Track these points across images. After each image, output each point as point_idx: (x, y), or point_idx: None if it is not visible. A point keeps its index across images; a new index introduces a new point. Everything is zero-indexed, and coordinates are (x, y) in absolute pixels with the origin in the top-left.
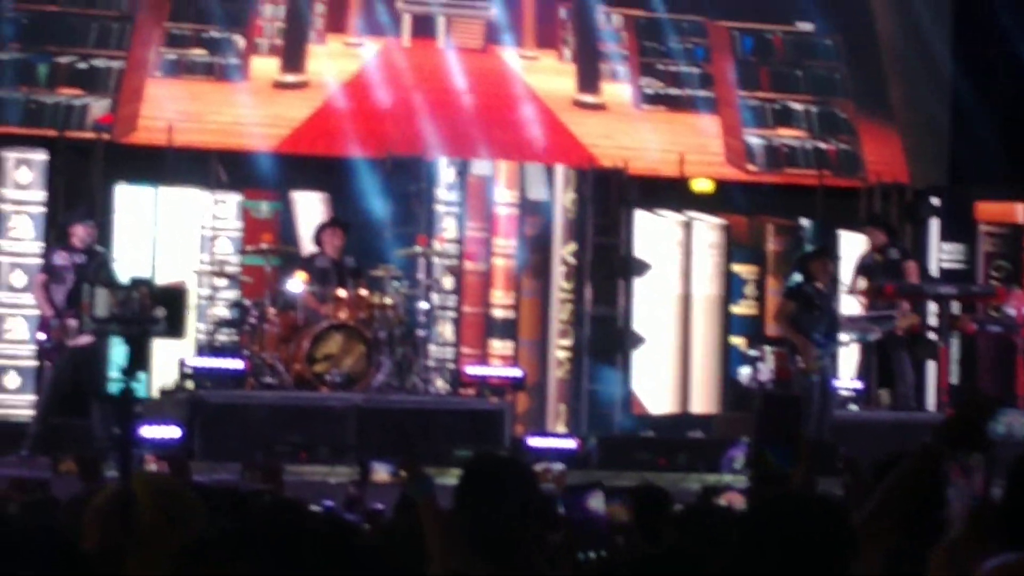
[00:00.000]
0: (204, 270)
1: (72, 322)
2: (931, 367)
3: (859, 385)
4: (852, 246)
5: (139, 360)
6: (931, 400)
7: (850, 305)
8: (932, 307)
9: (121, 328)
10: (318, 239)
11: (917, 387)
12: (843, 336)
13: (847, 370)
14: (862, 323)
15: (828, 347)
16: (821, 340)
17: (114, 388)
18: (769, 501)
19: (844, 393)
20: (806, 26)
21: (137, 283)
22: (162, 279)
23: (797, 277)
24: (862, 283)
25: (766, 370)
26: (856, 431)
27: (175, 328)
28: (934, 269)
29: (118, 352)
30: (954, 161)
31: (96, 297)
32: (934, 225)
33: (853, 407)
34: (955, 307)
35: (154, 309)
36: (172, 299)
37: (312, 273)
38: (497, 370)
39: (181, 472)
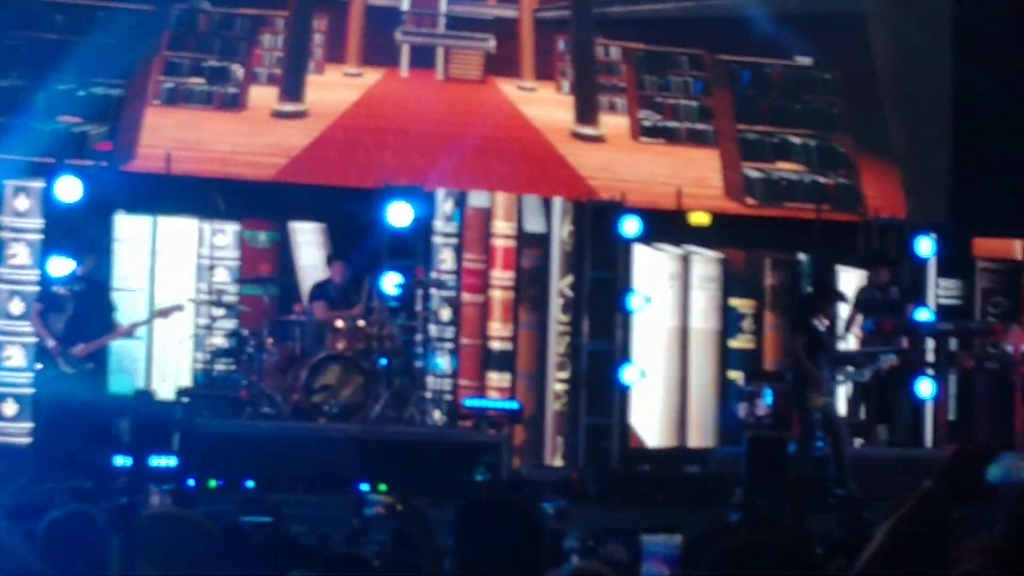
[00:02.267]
0: (202, 299)
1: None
2: (928, 404)
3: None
4: (849, 281)
5: None
6: (928, 437)
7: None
8: (930, 343)
9: None
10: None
11: (915, 424)
12: (839, 375)
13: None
14: (858, 359)
15: (831, 383)
16: (827, 376)
17: None
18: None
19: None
20: (805, 60)
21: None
22: (161, 302)
23: (803, 312)
24: (859, 318)
25: (763, 405)
26: (859, 467)
27: None
28: (931, 305)
29: None
30: (953, 197)
31: None
32: (932, 261)
33: (858, 441)
34: (953, 344)
35: None
36: None
37: (324, 299)
38: (494, 402)
39: (186, 504)
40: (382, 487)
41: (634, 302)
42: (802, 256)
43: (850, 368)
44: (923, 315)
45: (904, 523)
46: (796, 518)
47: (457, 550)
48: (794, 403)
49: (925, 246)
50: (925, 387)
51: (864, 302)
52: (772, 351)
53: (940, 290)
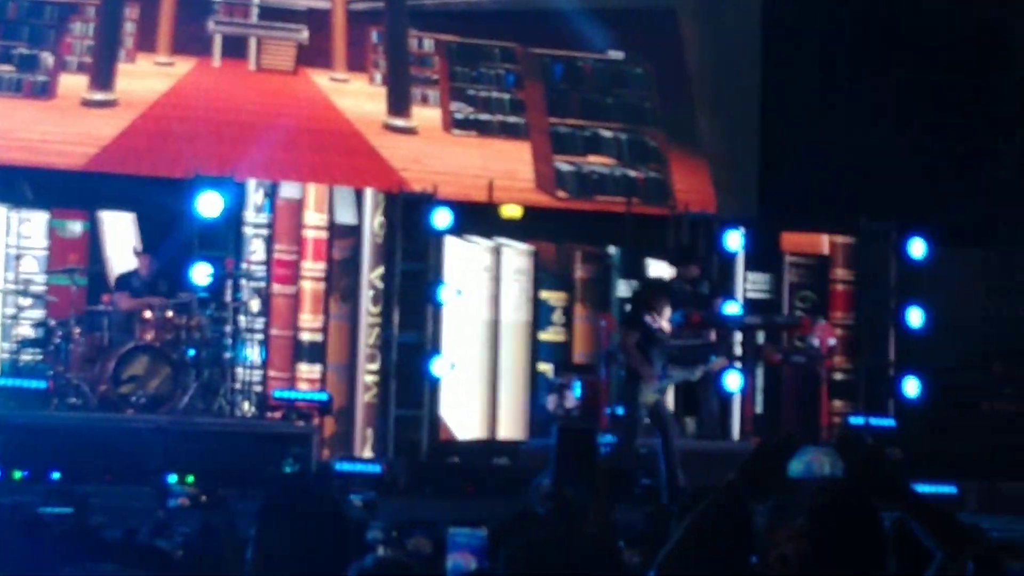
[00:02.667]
0: (9, 289)
1: None
2: (736, 397)
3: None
4: (659, 275)
5: None
6: (736, 429)
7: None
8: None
9: None
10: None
11: (722, 416)
12: (673, 372)
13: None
14: (689, 357)
15: (663, 380)
16: (660, 373)
17: None
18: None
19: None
20: (617, 55)
21: None
22: None
23: (636, 308)
24: (667, 311)
25: (572, 397)
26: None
27: None
28: (740, 298)
29: None
30: (762, 192)
31: None
32: (740, 255)
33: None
34: (760, 337)
35: None
36: None
37: (128, 290)
38: (304, 393)
39: None
40: (190, 478)
41: (444, 294)
42: (612, 249)
43: (678, 368)
44: (731, 309)
45: (705, 516)
46: (601, 510)
47: (258, 541)
48: (624, 398)
49: (734, 240)
50: (733, 380)
51: (673, 295)
52: (582, 343)
53: (748, 284)
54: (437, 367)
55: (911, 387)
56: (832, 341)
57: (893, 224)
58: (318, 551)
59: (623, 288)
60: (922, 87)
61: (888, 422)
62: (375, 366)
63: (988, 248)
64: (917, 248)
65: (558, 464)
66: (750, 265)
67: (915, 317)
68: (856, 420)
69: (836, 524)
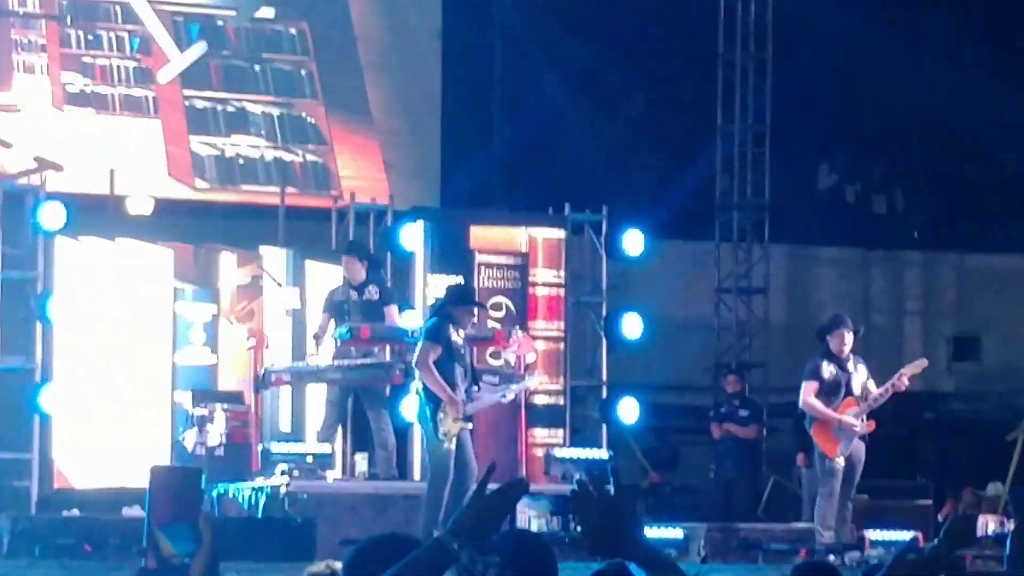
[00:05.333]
0: None
1: None
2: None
3: (328, 449)
4: (321, 280)
5: None
6: (417, 467)
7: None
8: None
9: None
10: None
11: (401, 451)
12: (510, 394)
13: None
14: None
15: (470, 404)
16: (463, 398)
17: None
18: None
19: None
20: (267, 12)
21: None
22: None
23: (438, 320)
24: (331, 325)
25: (216, 433)
26: (331, 505)
27: None
28: (420, 305)
29: None
30: (445, 179)
31: None
32: (421, 254)
33: (333, 476)
34: None
35: None
36: None
37: None
38: None
39: None
40: None
41: (54, 309)
42: (267, 250)
43: (488, 389)
44: (409, 319)
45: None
46: (207, 560)
47: None
48: (425, 431)
49: (411, 236)
50: (410, 407)
51: (337, 305)
52: (232, 366)
53: (430, 289)
54: (47, 399)
55: (627, 410)
56: (531, 356)
57: (603, 214)
58: None
59: (282, 298)
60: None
61: (600, 457)
62: None
63: (720, 240)
64: (633, 241)
65: (152, 506)
66: (432, 266)
67: (631, 325)
68: (562, 454)
69: None
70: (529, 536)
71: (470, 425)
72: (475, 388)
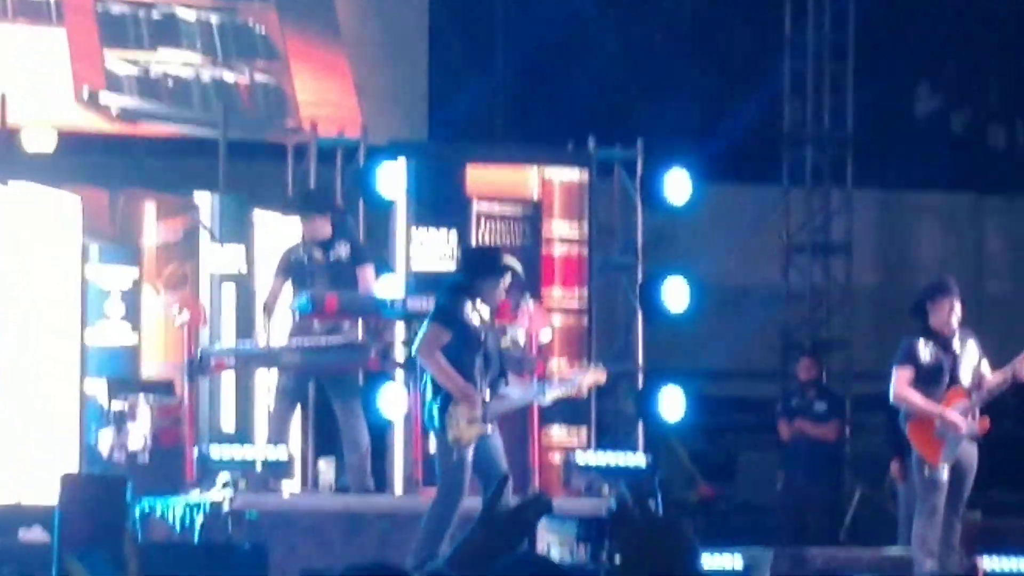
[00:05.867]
0: None
1: None
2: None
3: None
4: (276, 234)
5: None
6: (398, 478)
7: None
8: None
9: None
10: None
11: (376, 454)
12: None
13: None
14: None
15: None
16: (482, 393)
17: None
18: None
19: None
20: None
21: None
22: None
23: (451, 295)
24: (286, 292)
25: (139, 433)
26: (287, 527)
27: None
28: (401, 268)
29: None
30: (434, 108)
31: None
32: (401, 202)
33: (291, 488)
34: None
35: None
36: None
37: None
38: None
39: None
40: None
41: None
42: (204, 197)
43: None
44: (388, 286)
45: None
46: None
47: None
48: (435, 436)
49: (391, 179)
50: (391, 399)
51: (295, 266)
52: (160, 347)
53: (416, 246)
54: None
55: (670, 403)
56: (546, 334)
57: (637, 150)
58: None
59: (223, 260)
60: None
61: (638, 464)
62: None
63: (790, 184)
64: (676, 185)
65: (62, 533)
66: (418, 217)
67: (674, 294)
68: (586, 460)
69: None
70: (548, 567)
71: (490, 429)
72: (502, 382)
